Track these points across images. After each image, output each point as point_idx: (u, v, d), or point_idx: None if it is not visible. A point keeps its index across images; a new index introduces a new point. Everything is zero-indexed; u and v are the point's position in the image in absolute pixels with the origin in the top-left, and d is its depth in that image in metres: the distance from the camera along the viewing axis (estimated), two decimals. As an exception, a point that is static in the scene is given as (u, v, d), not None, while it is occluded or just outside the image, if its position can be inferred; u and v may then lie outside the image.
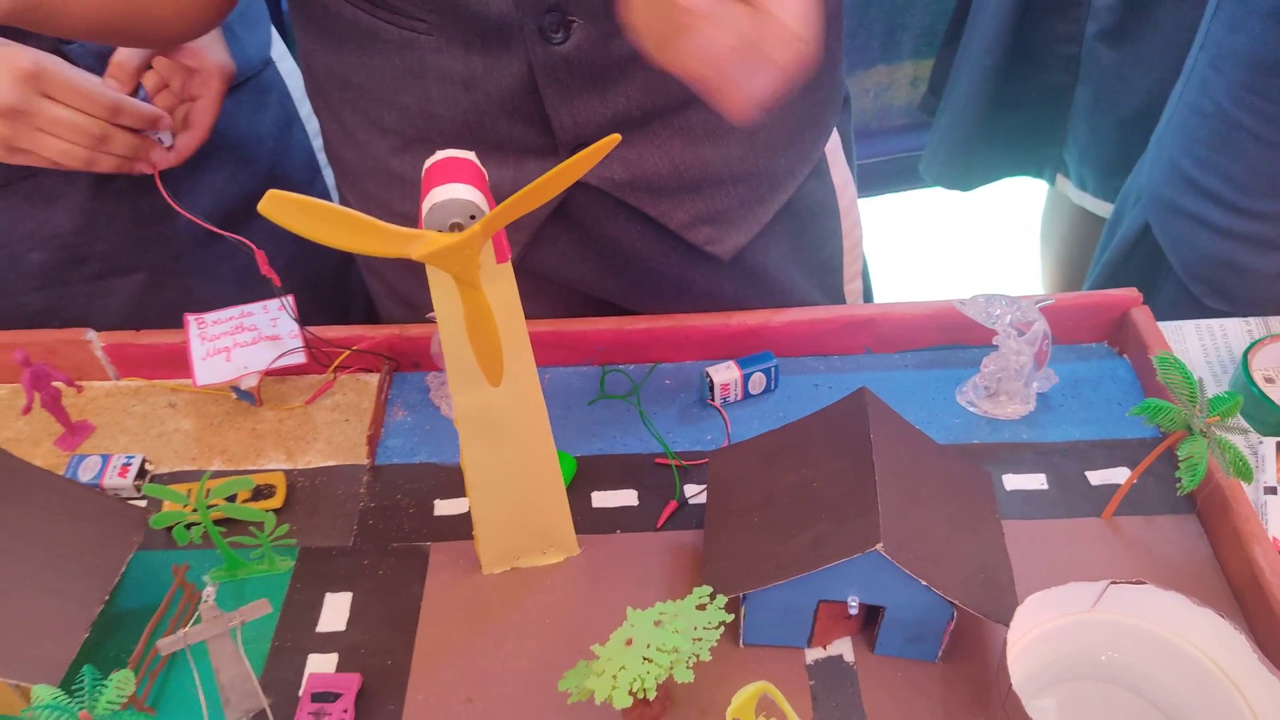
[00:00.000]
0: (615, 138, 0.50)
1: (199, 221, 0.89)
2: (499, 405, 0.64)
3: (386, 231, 0.50)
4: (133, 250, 1.00)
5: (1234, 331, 0.93)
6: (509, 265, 0.57)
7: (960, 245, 2.35)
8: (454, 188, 0.52)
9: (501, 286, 0.57)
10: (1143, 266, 1.12)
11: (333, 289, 1.20)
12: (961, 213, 2.24)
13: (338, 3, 0.73)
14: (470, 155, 0.56)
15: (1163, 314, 1.03)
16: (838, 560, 0.63)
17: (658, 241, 0.84)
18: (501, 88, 0.72)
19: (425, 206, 0.52)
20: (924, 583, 0.63)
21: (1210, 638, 0.61)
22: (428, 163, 0.55)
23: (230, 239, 0.89)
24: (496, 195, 0.79)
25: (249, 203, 1.06)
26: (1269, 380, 0.88)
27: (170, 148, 0.92)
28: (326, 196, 1.09)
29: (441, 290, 0.57)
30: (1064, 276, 1.71)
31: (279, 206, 0.47)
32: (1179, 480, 0.68)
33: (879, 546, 0.61)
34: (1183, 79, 1.06)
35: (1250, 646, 0.59)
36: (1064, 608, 0.63)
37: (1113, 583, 0.62)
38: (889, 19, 1.76)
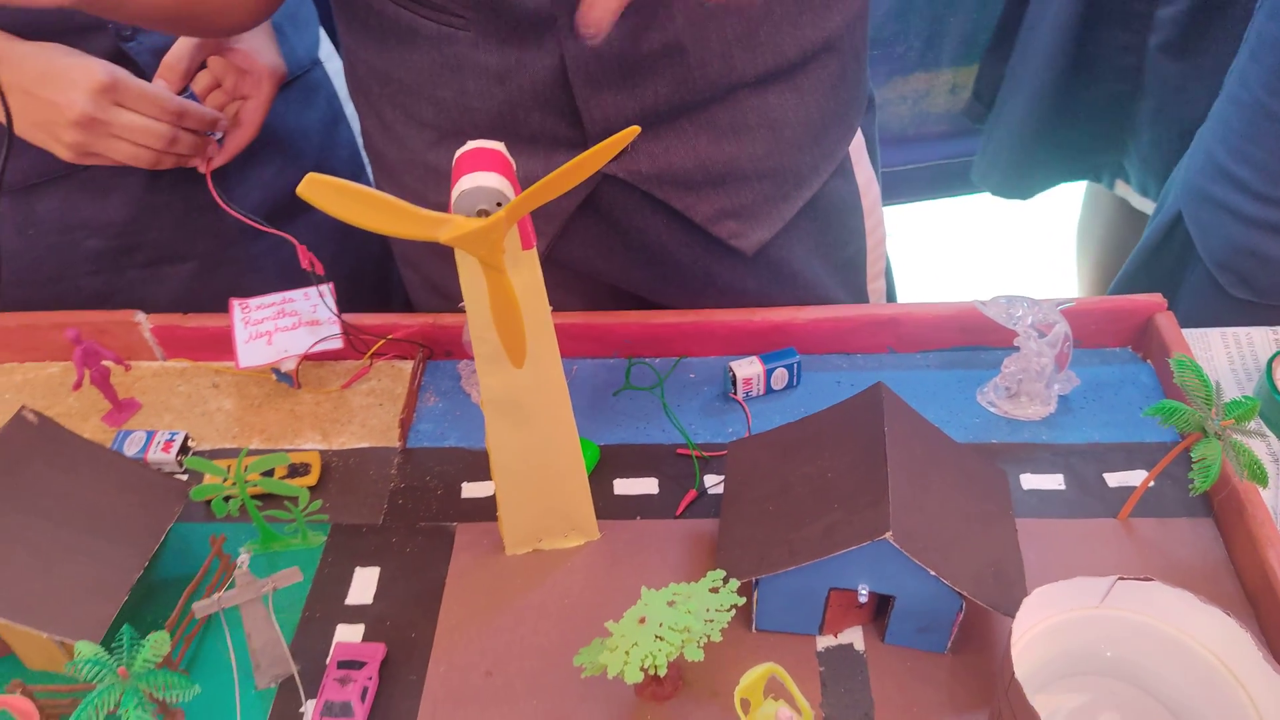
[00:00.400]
0: (635, 129, 0.52)
1: (244, 218, 0.93)
2: (523, 387, 0.66)
3: (417, 215, 0.53)
4: (184, 239, 1.04)
5: (1260, 340, 0.93)
6: (534, 252, 0.60)
7: (996, 251, 2.35)
8: (482, 176, 0.54)
9: (526, 272, 0.60)
10: (1174, 255, 1.12)
11: (374, 282, 1.23)
12: (998, 218, 2.23)
13: (380, 1, 0.76)
14: (499, 146, 0.59)
15: (1189, 303, 1.03)
16: (848, 548, 0.64)
17: (683, 235, 0.86)
18: (535, 80, 0.74)
19: (454, 193, 0.55)
20: (932, 573, 0.64)
21: (1216, 636, 0.62)
22: (458, 153, 0.58)
23: (274, 234, 0.92)
24: (527, 187, 0.82)
25: (296, 197, 1.10)
26: (1294, 389, 0.88)
27: (220, 140, 0.96)
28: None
29: (470, 275, 0.60)
30: (1102, 279, 1.70)
31: (317, 190, 0.50)
32: (1192, 481, 0.69)
33: (888, 535, 0.63)
34: (1229, 73, 1.07)
35: (1256, 645, 0.60)
36: (1071, 602, 0.64)
37: (1120, 579, 0.63)
38: (928, 26, 1.76)
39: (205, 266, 1.06)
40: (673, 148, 0.79)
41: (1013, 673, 0.58)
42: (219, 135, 0.95)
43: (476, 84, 0.76)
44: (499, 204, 0.55)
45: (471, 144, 0.58)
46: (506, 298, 0.58)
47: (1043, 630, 0.64)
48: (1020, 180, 1.58)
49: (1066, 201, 1.73)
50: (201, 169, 0.94)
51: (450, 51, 0.75)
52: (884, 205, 1.19)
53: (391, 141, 0.87)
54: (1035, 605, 0.62)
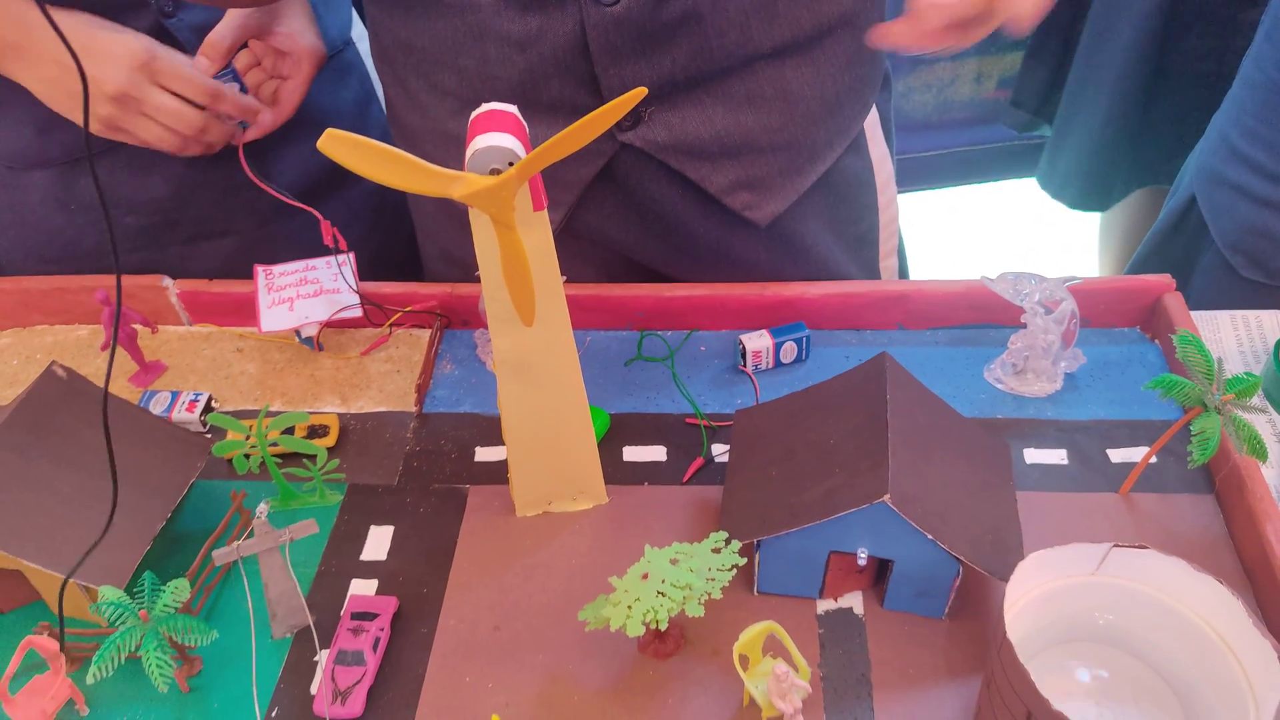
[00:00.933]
0: (642, 90, 0.54)
1: (274, 192, 0.95)
2: (533, 348, 0.68)
3: (431, 172, 0.55)
4: (222, 217, 1.06)
5: (1269, 323, 0.93)
6: (545, 214, 0.62)
7: (1017, 240, 2.34)
8: (495, 136, 0.56)
9: (538, 233, 0.62)
10: (1188, 238, 1.13)
11: (400, 261, 1.25)
12: (1020, 208, 2.23)
13: None
14: (513, 108, 0.60)
15: (1202, 285, 1.03)
16: (847, 510, 0.66)
17: (698, 205, 0.87)
18: (555, 48, 0.76)
19: (468, 153, 0.57)
20: (930, 536, 0.65)
21: (1209, 604, 0.63)
22: (474, 114, 0.60)
23: (302, 209, 0.94)
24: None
25: (329, 176, 1.13)
26: (1302, 371, 0.88)
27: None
28: None
29: (483, 235, 0.62)
30: (1123, 272, 1.70)
31: (336, 145, 0.52)
32: (1190, 454, 0.70)
33: (886, 498, 0.64)
34: (1245, 56, 1.07)
35: (1246, 612, 0.61)
36: (1067, 569, 0.65)
37: (1116, 546, 0.64)
38: (954, 14, 1.76)
39: (243, 244, 1.08)
40: (689, 118, 0.80)
41: (1004, 633, 0.59)
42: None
43: (498, 52, 0.78)
44: (510, 163, 0.57)
45: (486, 106, 0.60)
46: (516, 255, 0.59)
47: (1037, 597, 0.66)
48: (1098, 191, 1.56)
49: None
50: (234, 141, 0.96)
51: (473, 19, 0.77)
52: (907, 192, 1.18)
53: (415, 111, 0.89)
54: (1030, 569, 0.64)
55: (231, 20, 0.92)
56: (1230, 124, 1.04)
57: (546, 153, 0.55)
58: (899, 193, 1.08)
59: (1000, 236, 2.35)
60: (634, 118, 0.80)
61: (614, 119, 0.55)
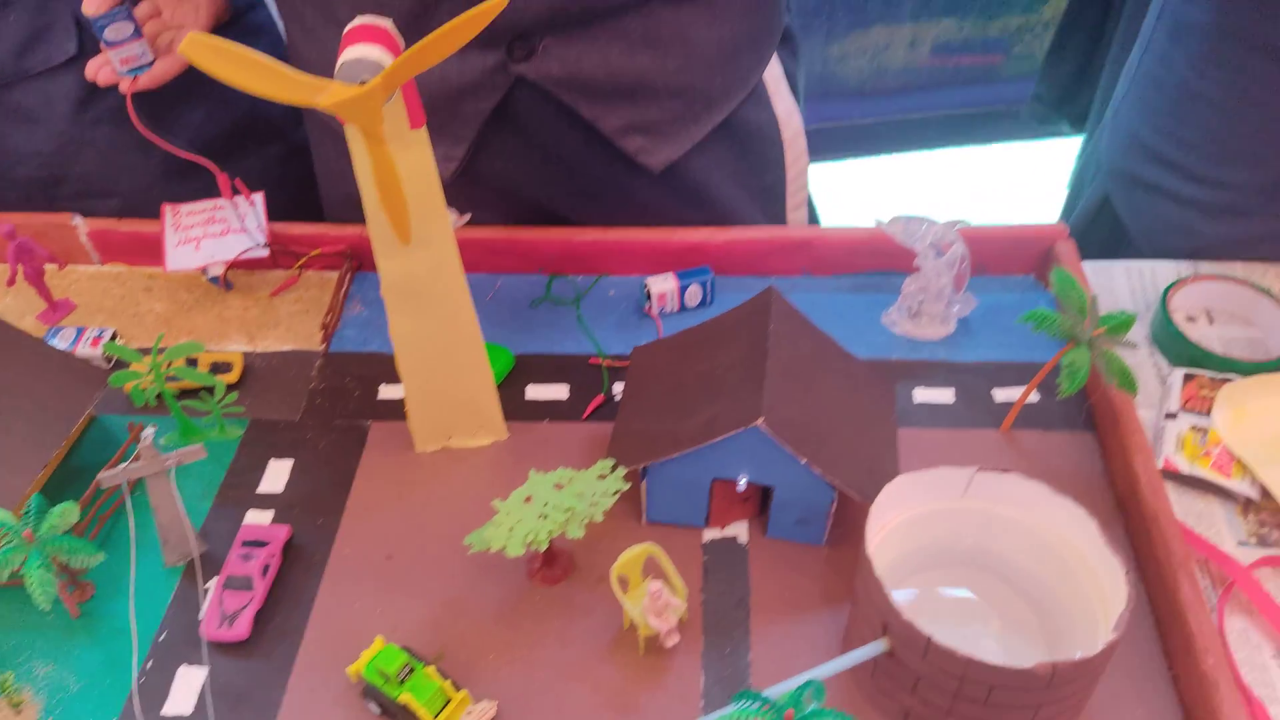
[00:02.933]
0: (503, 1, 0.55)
1: (165, 144, 0.91)
2: (419, 272, 0.69)
3: (296, 80, 0.55)
4: (109, 175, 1.05)
5: (1163, 273, 0.96)
6: (424, 132, 0.62)
7: (956, 208, 2.37)
8: (363, 48, 0.57)
9: (416, 151, 0.62)
10: (1104, 237, 1.13)
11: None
12: (959, 176, 2.25)
13: None
14: (386, 23, 0.61)
15: None
16: (725, 434, 0.67)
17: (597, 149, 0.88)
18: None
19: (337, 65, 0.57)
20: (803, 460, 0.67)
21: (1067, 524, 0.65)
22: (346, 28, 0.60)
23: (196, 168, 0.90)
24: (441, 86, 0.83)
25: (225, 142, 1.10)
26: (1190, 319, 0.91)
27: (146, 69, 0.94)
28: (308, 145, 1.11)
29: (359, 155, 0.62)
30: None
31: (199, 49, 0.52)
32: (1059, 385, 0.72)
33: (760, 422, 0.66)
34: (1138, 50, 1.07)
35: (1099, 531, 0.63)
36: (934, 492, 0.67)
37: (980, 470, 0.66)
38: (890, -20, 1.78)
39: (129, 205, 1.05)
40: (584, 54, 0.81)
41: (865, 550, 0.61)
42: (146, 65, 0.94)
43: None
44: (381, 78, 0.58)
45: (359, 19, 0.60)
46: (387, 169, 0.60)
47: (906, 521, 0.67)
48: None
49: (1032, 162, 1.72)
50: (123, 89, 0.93)
51: None
52: (840, 159, 1.16)
53: (313, 45, 0.89)
54: (898, 490, 0.65)
55: None
56: (1140, 124, 1.04)
57: (412, 61, 0.56)
58: (832, 160, 1.09)
59: (936, 206, 2.37)
60: (527, 50, 0.80)
61: (477, 28, 0.56)
